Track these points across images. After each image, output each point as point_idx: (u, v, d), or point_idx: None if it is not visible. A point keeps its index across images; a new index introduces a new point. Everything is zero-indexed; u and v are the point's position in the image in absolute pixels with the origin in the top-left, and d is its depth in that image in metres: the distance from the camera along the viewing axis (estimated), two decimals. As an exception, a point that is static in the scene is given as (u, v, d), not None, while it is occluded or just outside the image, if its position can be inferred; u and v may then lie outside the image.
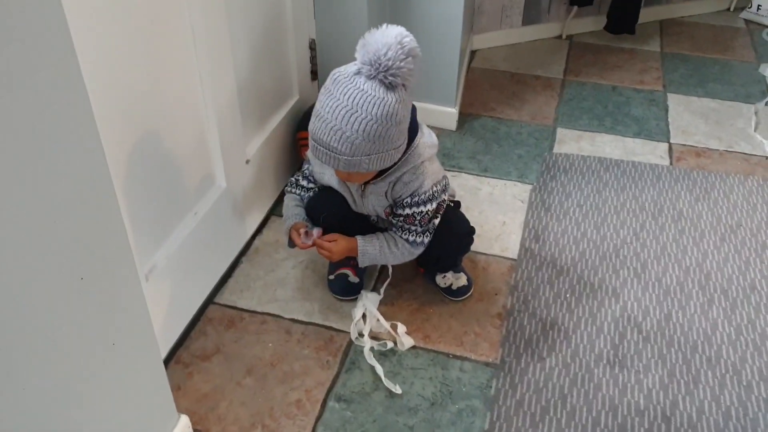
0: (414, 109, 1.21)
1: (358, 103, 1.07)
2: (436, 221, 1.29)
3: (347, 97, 1.07)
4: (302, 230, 1.29)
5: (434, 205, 1.25)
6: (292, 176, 1.41)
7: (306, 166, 1.37)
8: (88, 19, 0.92)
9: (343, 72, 1.10)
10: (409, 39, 1.06)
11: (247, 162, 1.48)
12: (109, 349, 0.87)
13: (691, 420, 1.18)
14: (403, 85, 1.09)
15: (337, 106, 1.08)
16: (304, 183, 1.38)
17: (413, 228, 1.27)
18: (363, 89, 1.07)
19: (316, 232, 1.29)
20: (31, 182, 0.68)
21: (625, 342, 1.33)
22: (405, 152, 1.20)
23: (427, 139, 1.25)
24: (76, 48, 0.69)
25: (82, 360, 0.82)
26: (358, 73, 1.08)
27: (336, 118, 1.08)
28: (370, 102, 1.07)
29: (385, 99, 1.07)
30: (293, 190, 1.39)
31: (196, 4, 1.17)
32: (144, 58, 1.08)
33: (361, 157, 1.11)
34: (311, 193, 1.37)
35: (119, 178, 1.05)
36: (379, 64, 1.05)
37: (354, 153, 1.10)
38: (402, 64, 1.05)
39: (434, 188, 1.24)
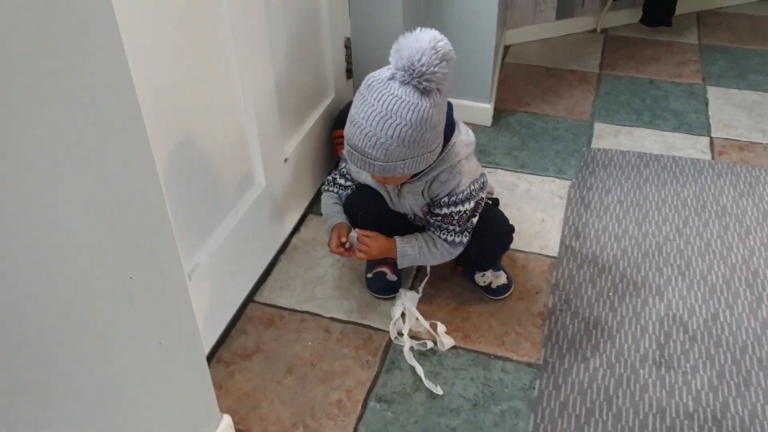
0: (450, 107, 1.20)
1: (392, 109, 1.06)
2: (475, 220, 1.27)
3: (381, 103, 1.06)
4: (343, 239, 1.28)
5: (472, 203, 1.24)
6: (329, 175, 1.40)
7: (343, 164, 1.36)
8: (132, 21, 0.93)
9: (377, 77, 1.09)
10: (443, 43, 1.05)
11: (286, 161, 1.48)
12: (155, 348, 0.87)
13: (744, 424, 1.15)
14: (438, 90, 1.08)
15: (371, 112, 1.07)
16: (342, 181, 1.37)
17: (451, 228, 1.26)
18: (397, 95, 1.06)
19: (355, 239, 1.28)
20: (84, 186, 0.68)
21: (671, 342, 1.30)
22: (441, 151, 1.19)
23: (464, 137, 1.23)
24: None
25: (131, 359, 0.83)
26: (392, 78, 1.07)
27: (370, 125, 1.07)
28: (404, 107, 1.06)
29: (420, 104, 1.06)
30: (331, 189, 1.38)
31: (235, 4, 1.17)
32: (184, 59, 1.08)
33: (396, 162, 1.10)
34: (349, 191, 1.36)
35: (163, 178, 1.06)
36: (413, 70, 1.04)
37: (389, 158, 1.09)
38: (436, 69, 1.04)
39: (472, 187, 1.23)
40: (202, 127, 1.16)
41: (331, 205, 1.35)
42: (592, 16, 2.49)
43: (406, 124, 1.06)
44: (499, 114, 2.02)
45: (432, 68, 1.04)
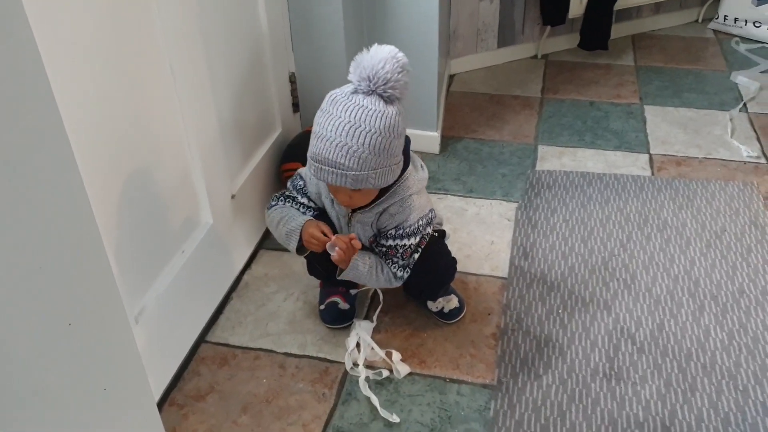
0: (408, 141, 1.22)
1: (361, 118, 1.08)
2: (416, 256, 1.28)
3: (349, 114, 1.09)
4: (325, 230, 1.23)
5: (417, 239, 1.25)
6: (282, 193, 1.32)
7: (300, 182, 1.30)
8: (66, 63, 0.93)
9: (339, 93, 1.12)
10: (401, 54, 1.10)
11: (233, 197, 1.48)
12: (100, 394, 0.86)
13: (691, 428, 1.18)
14: (399, 99, 1.12)
15: (339, 124, 1.09)
16: (305, 201, 1.30)
17: (395, 260, 1.26)
18: (363, 105, 1.09)
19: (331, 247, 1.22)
20: (14, 229, 0.67)
21: (619, 354, 1.33)
22: (393, 184, 1.20)
23: (418, 173, 1.26)
24: (55, 93, 0.70)
25: (72, 407, 0.81)
26: (356, 91, 1.10)
27: (341, 135, 1.09)
28: (372, 116, 1.08)
29: (386, 112, 1.09)
30: (292, 205, 1.30)
31: (174, 44, 1.18)
32: (124, 100, 1.09)
33: (368, 171, 1.11)
34: (312, 214, 1.30)
35: (104, 220, 1.05)
36: (378, 78, 1.08)
37: (362, 167, 1.10)
38: (399, 76, 1.08)
39: (419, 222, 1.24)
40: (143, 167, 1.16)
41: (290, 209, 1.28)
42: (532, 43, 2.57)
43: (376, 132, 1.09)
44: (446, 141, 2.06)
45: (396, 75, 1.08)
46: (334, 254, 1.21)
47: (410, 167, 1.24)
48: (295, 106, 1.82)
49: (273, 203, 1.32)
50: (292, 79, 1.78)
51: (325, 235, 1.23)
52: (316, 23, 1.70)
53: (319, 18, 1.68)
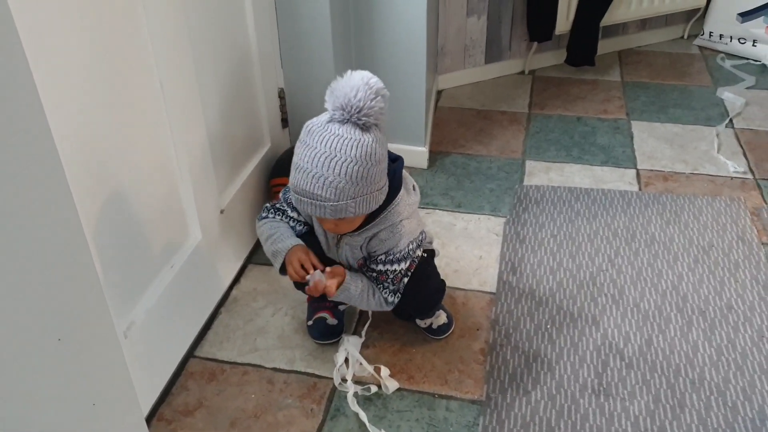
0: (401, 163, 1.22)
1: (336, 148, 1.07)
2: (406, 280, 1.27)
3: (324, 144, 1.08)
4: (306, 265, 1.22)
5: (407, 263, 1.24)
6: (273, 204, 1.30)
7: (290, 196, 1.25)
8: (56, 76, 0.93)
9: (316, 122, 1.11)
10: (375, 80, 1.08)
11: (222, 212, 1.48)
12: (88, 410, 0.85)
13: (680, 444, 1.19)
14: (376, 125, 1.10)
15: (315, 155, 1.08)
16: (295, 215, 1.29)
17: (386, 284, 1.25)
18: (338, 134, 1.08)
19: (317, 278, 1.20)
20: (2, 243, 0.67)
21: (608, 370, 1.33)
22: (384, 209, 1.19)
23: (410, 197, 1.24)
24: (45, 108, 0.70)
25: (61, 422, 0.80)
26: (331, 120, 1.09)
27: (317, 166, 1.08)
28: (347, 144, 1.07)
29: (362, 140, 1.08)
30: (282, 218, 1.29)
31: (163, 59, 1.18)
32: (113, 114, 1.09)
33: (347, 201, 1.10)
34: (302, 228, 1.29)
35: (93, 234, 1.05)
36: (351, 107, 1.06)
37: (339, 198, 1.09)
38: (372, 103, 1.07)
39: (409, 246, 1.23)
40: (132, 182, 1.16)
41: (287, 230, 1.27)
42: (519, 59, 2.60)
43: (352, 161, 1.07)
44: (434, 156, 2.07)
45: (369, 103, 1.06)
46: (310, 286, 1.19)
47: (402, 191, 1.22)
48: (284, 122, 1.82)
49: (264, 215, 1.30)
50: (281, 95, 1.78)
51: (304, 268, 1.21)
52: (304, 40, 1.70)
53: (308, 34, 1.69)
